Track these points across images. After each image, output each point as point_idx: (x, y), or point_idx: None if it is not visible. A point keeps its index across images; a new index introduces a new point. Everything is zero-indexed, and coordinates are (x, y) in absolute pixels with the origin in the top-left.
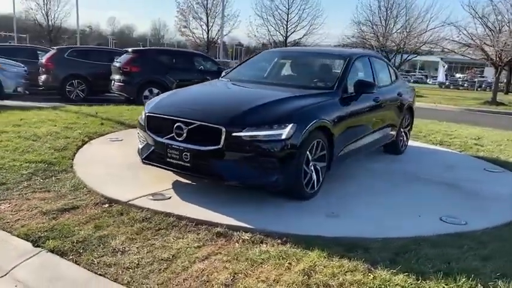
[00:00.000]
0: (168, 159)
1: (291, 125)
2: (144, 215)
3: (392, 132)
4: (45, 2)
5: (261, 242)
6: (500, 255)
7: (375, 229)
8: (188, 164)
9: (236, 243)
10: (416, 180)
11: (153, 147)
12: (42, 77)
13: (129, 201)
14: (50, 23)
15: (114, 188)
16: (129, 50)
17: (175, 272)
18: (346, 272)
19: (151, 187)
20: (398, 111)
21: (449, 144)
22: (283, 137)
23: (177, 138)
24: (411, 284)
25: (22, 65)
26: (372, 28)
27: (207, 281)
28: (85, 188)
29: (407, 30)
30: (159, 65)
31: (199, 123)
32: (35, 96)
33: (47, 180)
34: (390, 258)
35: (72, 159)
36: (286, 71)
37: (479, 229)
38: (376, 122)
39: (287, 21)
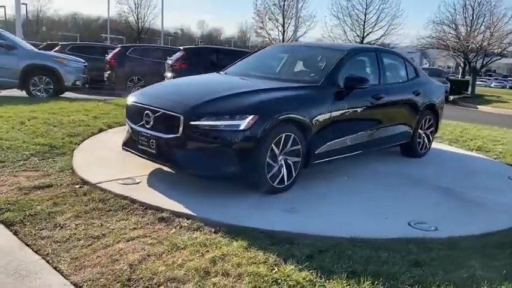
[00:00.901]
0: (139, 146)
1: (251, 117)
2: (102, 197)
3: (404, 133)
4: (136, 5)
5: (197, 229)
6: (435, 263)
7: (324, 227)
8: (154, 151)
9: (173, 229)
10: (415, 185)
11: (130, 135)
12: (106, 73)
13: (98, 183)
14: (139, 25)
15: (95, 171)
16: (181, 48)
17: (95, 249)
18: (252, 263)
19: (129, 172)
20: (414, 111)
21: (488, 151)
22: (242, 128)
23: (146, 126)
24: (310, 281)
25: (83, 61)
26: (455, 29)
27: (116, 260)
28: (70, 170)
29: (491, 31)
30: (208, 62)
31: (162, 111)
32: (102, 90)
33: (42, 161)
34: (309, 255)
35: (79, 145)
36: (280, 64)
37: (445, 236)
38: (377, 120)
39: (364, 22)
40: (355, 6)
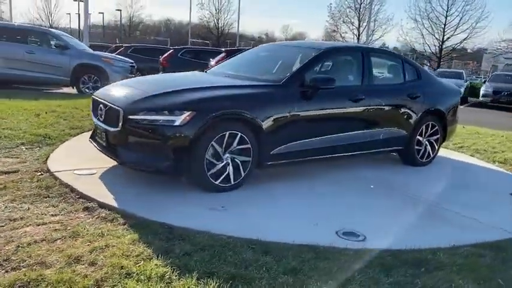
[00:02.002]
0: (96, 138)
1: (188, 113)
2: (50, 184)
3: (396, 139)
4: (217, 10)
5: (110, 220)
6: (313, 273)
7: (235, 227)
8: (104, 144)
9: (90, 218)
10: (386, 194)
11: (94, 128)
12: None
13: (56, 171)
14: (219, 30)
15: (65, 161)
16: (223, 49)
17: (3, 230)
18: (125, 256)
19: (96, 164)
20: (409, 115)
21: None
22: (177, 123)
23: (100, 119)
24: (161, 277)
25: (130, 61)
26: None
27: (11, 241)
28: (44, 159)
29: None
30: None
31: (109, 105)
32: None
33: (28, 149)
34: (188, 252)
35: (74, 137)
36: (255, 63)
37: (364, 248)
38: (356, 123)
39: (444, 24)
40: (435, 8)
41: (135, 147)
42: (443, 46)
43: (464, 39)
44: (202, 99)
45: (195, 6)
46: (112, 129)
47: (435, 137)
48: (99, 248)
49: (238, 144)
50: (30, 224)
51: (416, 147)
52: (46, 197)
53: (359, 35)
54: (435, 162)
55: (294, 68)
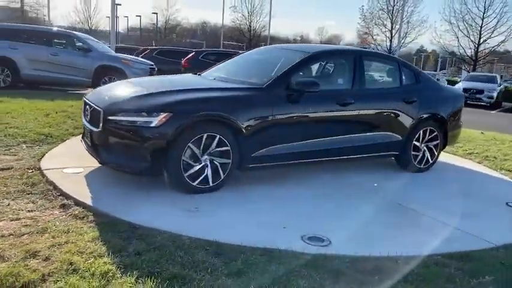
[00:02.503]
0: (85, 138)
1: (164, 114)
2: (36, 181)
3: (390, 144)
4: (250, 13)
5: (81, 218)
6: (257, 275)
7: (202, 229)
8: (89, 143)
9: (63, 215)
10: (370, 201)
11: (83, 128)
12: None
13: (45, 169)
14: (251, 32)
15: (58, 159)
16: (240, 52)
17: None
18: (80, 252)
19: (87, 163)
20: (404, 120)
21: None
22: (153, 124)
23: (86, 119)
24: (104, 274)
25: (150, 63)
26: None
27: None
28: (40, 157)
29: None
30: None
31: (93, 106)
32: None
33: (28, 148)
34: (139, 251)
35: (77, 136)
36: (246, 66)
37: (327, 253)
38: (344, 127)
39: (481, 27)
40: (470, 10)
41: (114, 147)
42: (479, 49)
43: (502, 42)
44: (180, 101)
45: (228, 9)
46: (95, 129)
47: (434, 143)
48: (59, 244)
49: (217, 146)
50: (4, 219)
51: (413, 152)
52: (29, 194)
53: (391, 38)
54: (435, 169)
55: (277, 72)
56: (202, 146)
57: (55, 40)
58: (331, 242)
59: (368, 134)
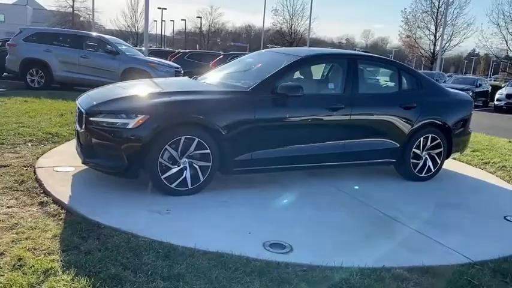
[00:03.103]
0: (76, 138)
1: (141, 116)
2: (26, 178)
3: (386, 151)
4: (291, 16)
5: (53, 216)
6: (188, 278)
7: (165, 232)
8: (77, 143)
9: (38, 212)
10: (352, 211)
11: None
12: None
13: (38, 167)
14: (292, 35)
15: (55, 158)
16: None
17: None
18: (33, 249)
19: (79, 162)
20: (401, 126)
21: None
22: (130, 126)
23: (75, 120)
24: (46, 271)
25: (176, 66)
26: None
27: None
28: (40, 155)
29: None
30: None
31: (79, 107)
32: None
33: (32, 146)
34: (89, 250)
35: None
36: (238, 70)
37: (282, 260)
38: (335, 133)
39: None
40: None
41: (95, 148)
42: None
43: None
44: (158, 104)
45: (269, 13)
46: (80, 129)
47: (437, 151)
48: (19, 240)
49: (196, 149)
50: None
51: (413, 160)
52: (15, 190)
53: (435, 41)
54: (438, 178)
55: (263, 76)
56: (180, 149)
57: (86, 43)
58: (293, 249)
59: (361, 140)
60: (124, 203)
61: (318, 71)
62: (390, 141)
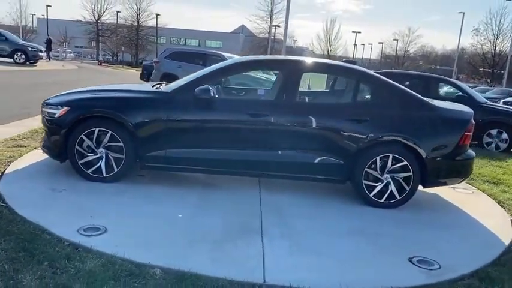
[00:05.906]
0: None
1: (64, 108)
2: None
3: (324, 166)
4: (495, 36)
5: None
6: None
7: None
8: None
9: None
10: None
11: None
12: None
13: (24, 153)
14: (495, 57)
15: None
16: None
17: None
18: None
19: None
20: (345, 141)
21: None
22: (56, 116)
23: None
24: None
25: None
26: None
27: None
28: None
29: None
30: None
31: None
32: None
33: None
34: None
35: None
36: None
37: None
38: (255, 139)
39: None
40: None
41: (46, 135)
42: None
43: None
44: (79, 99)
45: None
46: None
47: (404, 175)
48: None
49: (110, 141)
50: None
51: (367, 182)
52: None
53: None
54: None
55: (192, 78)
56: (94, 139)
57: (208, 60)
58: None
59: (292, 151)
60: (45, 194)
61: (252, 77)
62: (330, 156)
